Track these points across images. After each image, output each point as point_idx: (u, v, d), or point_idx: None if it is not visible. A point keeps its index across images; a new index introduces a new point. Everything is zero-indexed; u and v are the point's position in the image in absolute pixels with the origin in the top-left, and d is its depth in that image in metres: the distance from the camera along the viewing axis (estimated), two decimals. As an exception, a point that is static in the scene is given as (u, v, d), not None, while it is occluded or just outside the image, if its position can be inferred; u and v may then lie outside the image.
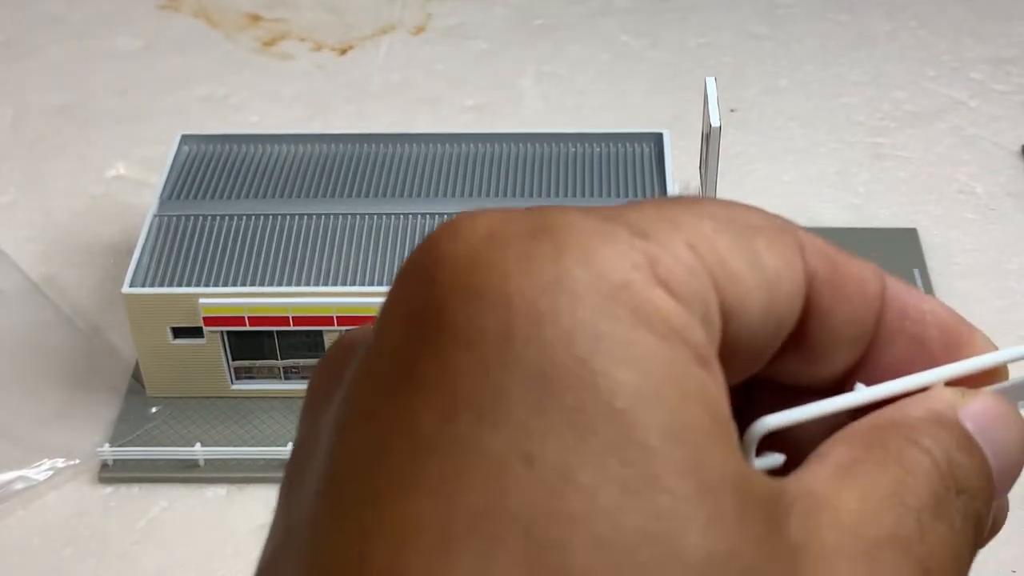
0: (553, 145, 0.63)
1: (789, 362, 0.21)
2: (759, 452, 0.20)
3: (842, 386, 0.22)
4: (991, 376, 0.22)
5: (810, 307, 0.21)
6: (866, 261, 0.22)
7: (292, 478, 0.19)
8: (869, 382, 0.22)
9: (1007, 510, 0.23)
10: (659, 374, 0.17)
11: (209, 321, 0.56)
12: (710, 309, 0.18)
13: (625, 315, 0.17)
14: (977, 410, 0.21)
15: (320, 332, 0.56)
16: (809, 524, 0.18)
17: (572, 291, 0.17)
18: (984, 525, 0.20)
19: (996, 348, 0.23)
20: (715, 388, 0.18)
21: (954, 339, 0.22)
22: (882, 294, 0.22)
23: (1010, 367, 0.23)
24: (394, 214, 0.59)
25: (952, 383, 0.22)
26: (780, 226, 0.20)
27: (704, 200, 0.20)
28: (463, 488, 0.16)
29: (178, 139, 0.63)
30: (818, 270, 0.20)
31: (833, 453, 0.20)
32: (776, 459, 0.20)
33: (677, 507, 0.16)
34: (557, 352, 0.17)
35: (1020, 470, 0.22)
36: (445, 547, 0.15)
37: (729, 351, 0.19)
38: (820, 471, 0.19)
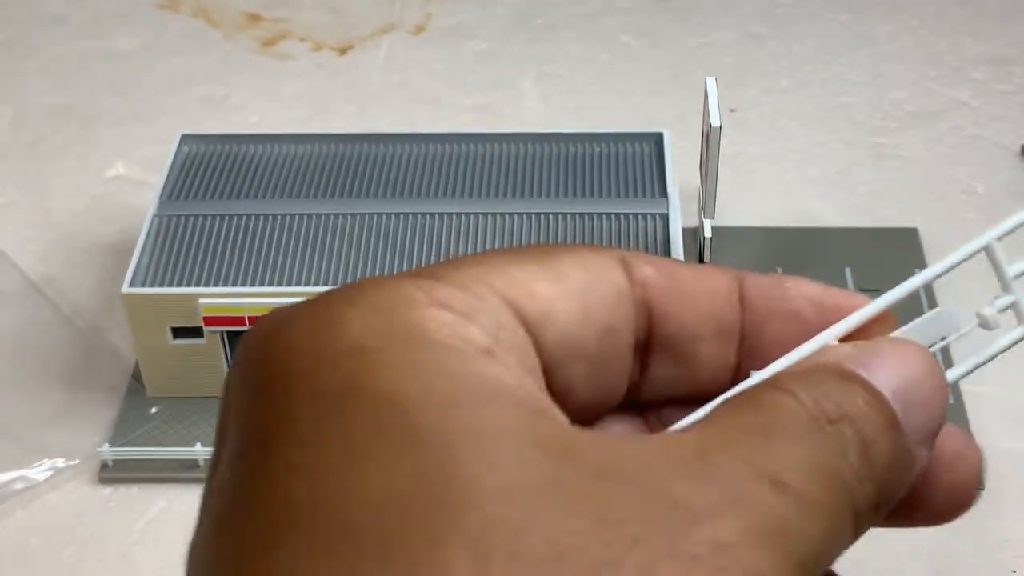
0: (553, 145, 0.63)
1: (665, 369, 0.23)
2: None
3: None
4: (883, 329, 0.22)
5: (655, 312, 0.22)
6: (712, 265, 0.23)
7: None
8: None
9: (972, 449, 0.22)
10: (424, 365, 0.19)
11: (209, 321, 0.56)
12: (503, 320, 0.20)
13: (393, 331, 0.19)
14: (862, 352, 0.21)
15: (320, 332, 0.56)
16: (623, 455, 0.18)
17: (342, 322, 0.19)
18: (879, 451, 0.20)
19: (871, 300, 0.23)
20: (496, 369, 0.19)
21: (829, 304, 0.23)
22: (734, 286, 0.23)
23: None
24: (394, 214, 0.59)
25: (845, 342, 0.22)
26: (593, 248, 0.22)
27: (515, 248, 0.22)
28: (263, 500, 0.18)
29: (178, 139, 0.63)
30: (649, 277, 0.22)
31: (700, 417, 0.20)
32: None
33: (454, 465, 0.17)
34: (323, 375, 0.19)
35: (935, 401, 0.21)
36: (264, 546, 0.18)
37: (566, 359, 0.21)
38: (676, 430, 0.20)
